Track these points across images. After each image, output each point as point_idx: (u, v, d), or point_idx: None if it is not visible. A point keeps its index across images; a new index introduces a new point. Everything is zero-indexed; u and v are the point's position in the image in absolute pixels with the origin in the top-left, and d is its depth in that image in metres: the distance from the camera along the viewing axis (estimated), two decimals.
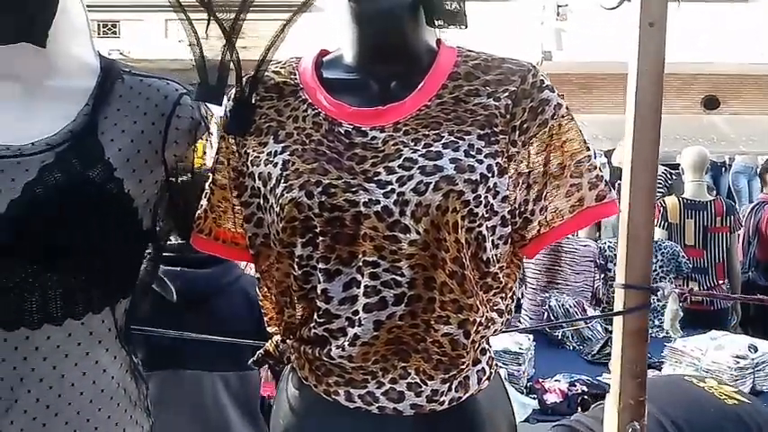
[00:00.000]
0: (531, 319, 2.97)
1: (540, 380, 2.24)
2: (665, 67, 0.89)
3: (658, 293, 0.85)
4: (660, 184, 5.40)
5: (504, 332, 0.89)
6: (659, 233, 3.33)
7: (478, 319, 0.77)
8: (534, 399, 2.15)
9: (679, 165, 3.87)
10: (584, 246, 3.10)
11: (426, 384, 0.78)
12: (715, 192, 6.00)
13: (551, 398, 2.13)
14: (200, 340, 1.23)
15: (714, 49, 10.76)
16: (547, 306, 2.87)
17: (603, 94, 11.37)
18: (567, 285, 3.05)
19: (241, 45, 0.91)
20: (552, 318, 2.80)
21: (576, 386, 2.15)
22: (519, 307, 3.23)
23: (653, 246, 3.03)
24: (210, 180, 0.88)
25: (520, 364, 2.24)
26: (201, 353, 1.35)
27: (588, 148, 0.84)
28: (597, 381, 2.23)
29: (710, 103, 12.34)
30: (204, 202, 0.89)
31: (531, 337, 2.45)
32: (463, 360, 0.78)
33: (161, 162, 0.86)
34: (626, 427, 0.84)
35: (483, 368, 0.83)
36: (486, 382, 0.83)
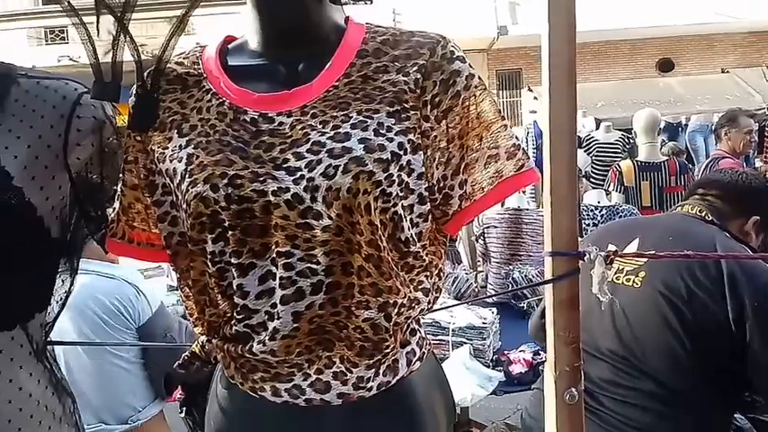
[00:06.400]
0: (496, 292, 2.97)
1: (506, 352, 2.25)
2: (577, 30, 0.88)
3: (585, 258, 0.84)
4: (619, 149, 5.49)
5: (436, 308, 0.88)
6: (616, 197, 3.38)
7: (400, 301, 0.75)
8: (500, 371, 2.16)
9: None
10: (544, 223, 3.11)
11: (351, 372, 0.76)
12: (684, 154, 6.08)
13: (517, 368, 2.14)
14: None
15: (665, 11, 10.89)
16: (510, 279, 2.88)
17: None
18: (530, 256, 3.06)
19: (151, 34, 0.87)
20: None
21: (540, 355, 2.16)
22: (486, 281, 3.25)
23: (610, 210, 3.04)
24: (121, 181, 0.85)
25: (484, 339, 2.24)
26: None
27: (503, 118, 0.82)
28: None
29: (665, 66, 12.52)
30: (116, 204, 0.85)
31: (494, 310, 2.45)
32: (387, 344, 0.76)
33: (64, 167, 0.82)
34: (563, 394, 0.84)
35: (413, 349, 0.81)
36: (418, 363, 0.82)
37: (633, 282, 1.43)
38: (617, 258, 1.07)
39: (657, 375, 1.37)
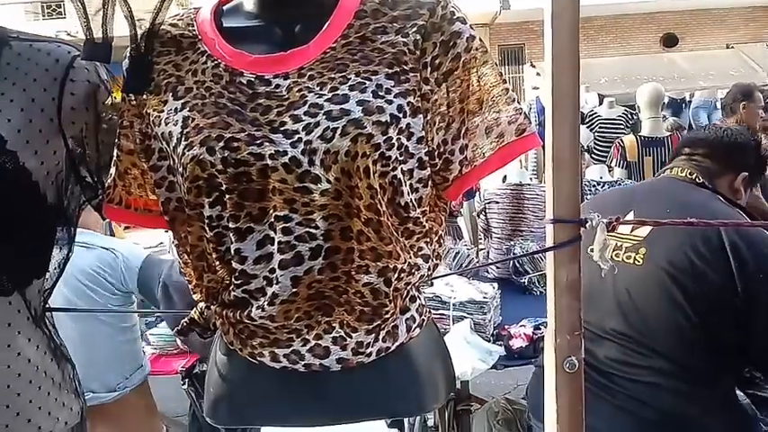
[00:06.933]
0: (497, 268, 2.98)
1: (506, 326, 2.26)
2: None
3: (587, 225, 0.83)
4: (622, 125, 5.44)
5: (440, 275, 0.87)
6: (619, 173, 3.36)
7: (400, 266, 0.75)
8: (501, 345, 2.17)
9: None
10: (546, 191, 3.10)
11: (351, 337, 0.76)
12: (686, 130, 6.03)
13: (517, 343, 2.14)
14: None
15: None
16: (512, 254, 2.88)
17: None
18: (532, 232, 3.05)
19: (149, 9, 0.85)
20: (518, 265, 2.81)
21: (540, 329, 2.16)
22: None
23: (612, 186, 3.01)
24: (117, 146, 0.83)
25: (485, 313, 2.24)
26: None
27: (505, 81, 0.80)
28: None
29: (669, 41, 12.39)
30: (113, 169, 0.84)
31: (495, 285, 2.45)
32: (387, 309, 0.76)
33: (58, 131, 0.81)
34: (563, 362, 0.83)
35: (412, 316, 0.81)
36: (418, 329, 0.81)
37: (634, 259, 1.41)
38: (615, 235, 1.04)
39: (666, 352, 1.36)
